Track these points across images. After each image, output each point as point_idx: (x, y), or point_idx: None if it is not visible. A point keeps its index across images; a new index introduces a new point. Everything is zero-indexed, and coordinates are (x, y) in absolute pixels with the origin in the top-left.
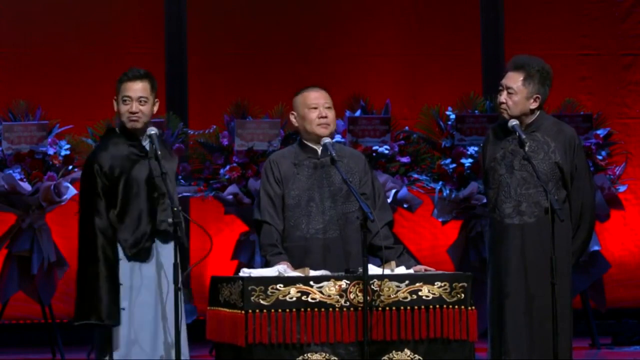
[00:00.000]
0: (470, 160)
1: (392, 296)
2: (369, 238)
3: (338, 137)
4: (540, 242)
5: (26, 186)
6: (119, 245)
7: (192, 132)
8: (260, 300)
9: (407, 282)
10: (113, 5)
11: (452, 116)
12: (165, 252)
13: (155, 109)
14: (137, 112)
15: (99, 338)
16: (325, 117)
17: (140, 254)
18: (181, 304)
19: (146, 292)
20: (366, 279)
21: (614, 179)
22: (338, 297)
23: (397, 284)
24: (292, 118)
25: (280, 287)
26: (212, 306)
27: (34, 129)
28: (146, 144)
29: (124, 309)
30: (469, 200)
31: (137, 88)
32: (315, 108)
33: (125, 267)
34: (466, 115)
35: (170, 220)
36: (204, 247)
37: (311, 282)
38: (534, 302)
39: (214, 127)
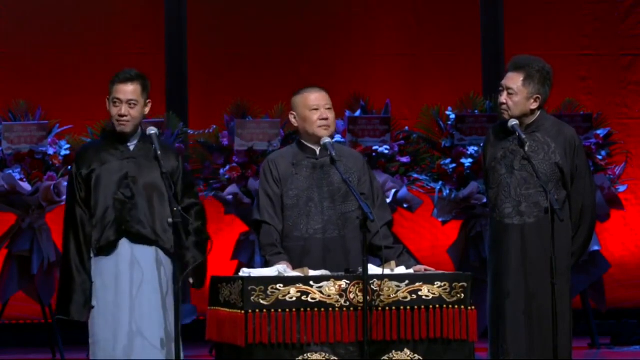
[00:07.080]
0: (470, 160)
1: (392, 296)
2: (368, 238)
3: (338, 137)
4: (540, 242)
5: (26, 186)
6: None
7: (192, 132)
8: (260, 300)
9: (407, 282)
10: (113, 5)
11: (452, 116)
12: (139, 253)
13: (147, 110)
14: (126, 115)
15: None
16: (326, 118)
17: (103, 252)
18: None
19: (113, 291)
20: (366, 278)
21: (614, 179)
22: (338, 297)
23: (397, 283)
24: (291, 118)
25: (280, 287)
26: (212, 306)
27: (34, 129)
28: (132, 145)
29: (94, 306)
30: (469, 200)
31: (128, 90)
32: (317, 109)
33: (94, 264)
34: (466, 115)
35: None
36: None
37: (311, 282)
38: (534, 302)
39: (214, 127)
